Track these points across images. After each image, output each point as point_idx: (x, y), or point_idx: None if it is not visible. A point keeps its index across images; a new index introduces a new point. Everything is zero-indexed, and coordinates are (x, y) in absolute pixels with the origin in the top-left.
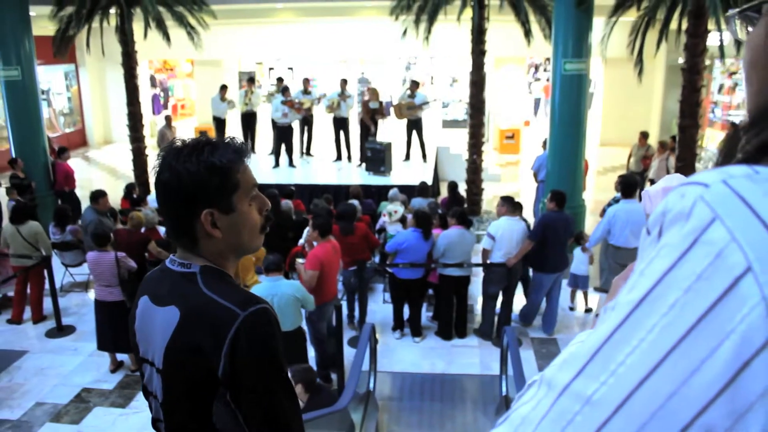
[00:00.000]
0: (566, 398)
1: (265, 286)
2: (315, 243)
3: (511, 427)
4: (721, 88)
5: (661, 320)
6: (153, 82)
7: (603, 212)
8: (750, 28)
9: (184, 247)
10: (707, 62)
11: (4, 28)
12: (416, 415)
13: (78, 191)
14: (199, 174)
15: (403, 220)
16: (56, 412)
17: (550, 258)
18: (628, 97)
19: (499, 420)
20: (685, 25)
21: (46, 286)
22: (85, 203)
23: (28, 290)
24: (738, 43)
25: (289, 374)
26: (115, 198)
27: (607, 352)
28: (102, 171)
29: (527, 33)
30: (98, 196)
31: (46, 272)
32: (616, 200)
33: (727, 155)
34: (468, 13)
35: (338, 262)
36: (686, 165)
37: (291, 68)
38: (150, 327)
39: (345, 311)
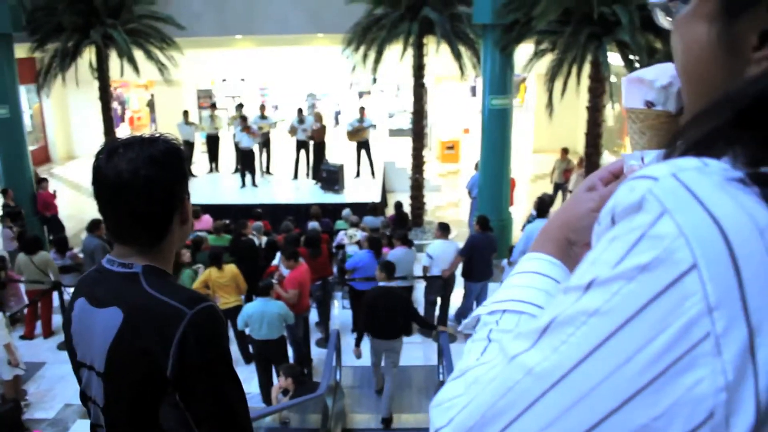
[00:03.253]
0: (513, 367)
1: (257, 305)
2: (284, 267)
3: (465, 384)
4: None
5: (602, 305)
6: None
7: (523, 228)
8: (669, 19)
9: (141, 245)
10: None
11: None
12: (373, 400)
13: None
14: (170, 161)
15: (357, 241)
16: (83, 411)
17: (476, 270)
18: (558, 107)
19: (454, 374)
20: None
21: (55, 304)
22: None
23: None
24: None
25: (282, 371)
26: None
27: (554, 330)
28: (69, 188)
29: (461, 67)
30: (98, 223)
31: (55, 294)
32: (534, 216)
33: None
34: (409, 51)
35: (309, 280)
36: None
37: (243, 79)
38: (88, 330)
39: (315, 318)
